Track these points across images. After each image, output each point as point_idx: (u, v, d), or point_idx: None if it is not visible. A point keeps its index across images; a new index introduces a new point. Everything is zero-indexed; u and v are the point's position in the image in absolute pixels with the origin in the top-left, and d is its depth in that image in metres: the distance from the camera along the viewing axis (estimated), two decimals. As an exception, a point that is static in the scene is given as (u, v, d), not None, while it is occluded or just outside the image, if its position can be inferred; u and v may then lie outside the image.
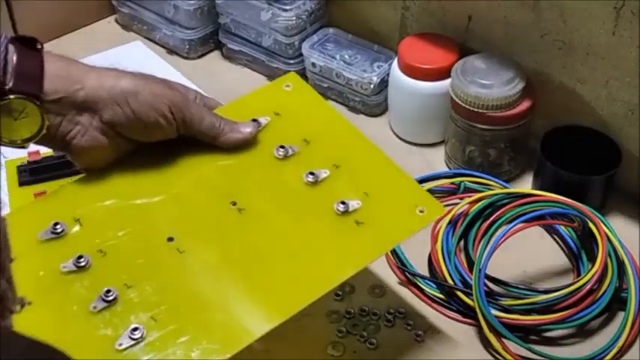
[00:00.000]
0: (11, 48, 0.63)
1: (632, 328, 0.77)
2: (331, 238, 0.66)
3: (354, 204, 0.68)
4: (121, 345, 0.59)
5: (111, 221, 0.67)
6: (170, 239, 0.65)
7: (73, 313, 0.61)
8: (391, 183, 0.71)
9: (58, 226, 0.65)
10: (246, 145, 0.72)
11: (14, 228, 0.53)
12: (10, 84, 0.62)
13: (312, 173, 0.69)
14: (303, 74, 1.08)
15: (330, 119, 0.76)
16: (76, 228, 0.66)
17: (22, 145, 0.65)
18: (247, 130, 0.72)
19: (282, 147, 0.71)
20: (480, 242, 0.83)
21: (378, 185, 0.70)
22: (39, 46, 0.65)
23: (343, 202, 0.68)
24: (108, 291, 0.61)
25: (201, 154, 0.71)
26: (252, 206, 0.68)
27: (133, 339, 0.59)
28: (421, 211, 0.68)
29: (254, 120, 0.73)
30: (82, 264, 0.63)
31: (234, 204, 0.68)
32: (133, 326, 0.59)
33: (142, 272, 0.63)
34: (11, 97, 0.62)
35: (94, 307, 0.61)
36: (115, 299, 0.61)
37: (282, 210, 0.68)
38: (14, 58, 0.63)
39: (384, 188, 0.70)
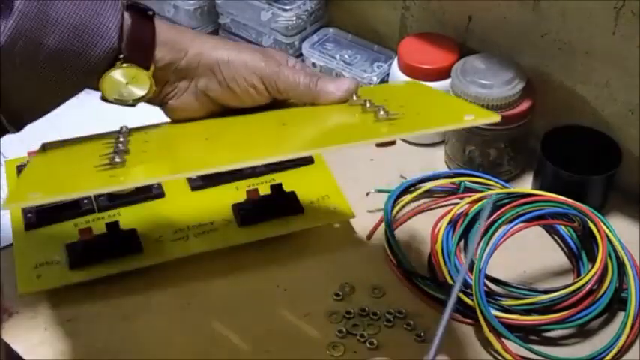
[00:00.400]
0: (126, 16, 0.67)
1: (632, 328, 0.77)
2: (361, 121, 0.67)
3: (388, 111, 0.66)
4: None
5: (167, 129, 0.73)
6: (207, 139, 0.69)
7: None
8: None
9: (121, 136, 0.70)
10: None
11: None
12: (126, 52, 0.67)
13: (369, 100, 0.68)
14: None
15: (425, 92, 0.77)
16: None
17: (132, 104, 0.70)
18: (344, 87, 0.72)
19: (362, 100, 0.70)
20: (480, 242, 0.83)
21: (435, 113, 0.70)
22: (151, 14, 0.69)
23: (384, 109, 0.65)
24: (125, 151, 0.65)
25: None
26: (297, 125, 0.70)
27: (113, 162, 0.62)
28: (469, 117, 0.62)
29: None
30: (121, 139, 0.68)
31: (285, 124, 0.70)
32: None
33: (165, 141, 0.69)
34: (124, 65, 0.67)
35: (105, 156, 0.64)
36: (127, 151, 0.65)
37: (318, 122, 0.70)
38: (129, 26, 0.67)
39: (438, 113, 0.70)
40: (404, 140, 1.01)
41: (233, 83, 0.71)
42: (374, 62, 1.04)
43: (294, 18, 1.05)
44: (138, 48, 0.67)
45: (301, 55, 1.06)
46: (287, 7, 1.05)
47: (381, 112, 0.64)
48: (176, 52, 0.70)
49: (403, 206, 0.91)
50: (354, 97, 0.71)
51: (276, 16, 1.05)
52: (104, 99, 0.70)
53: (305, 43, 1.06)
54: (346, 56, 1.05)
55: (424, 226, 0.87)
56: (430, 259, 0.84)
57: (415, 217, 0.90)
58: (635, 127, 0.88)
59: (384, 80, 1.01)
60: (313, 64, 1.05)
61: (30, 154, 0.91)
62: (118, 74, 0.67)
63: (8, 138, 0.67)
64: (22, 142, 0.79)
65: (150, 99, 0.71)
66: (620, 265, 0.80)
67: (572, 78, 0.91)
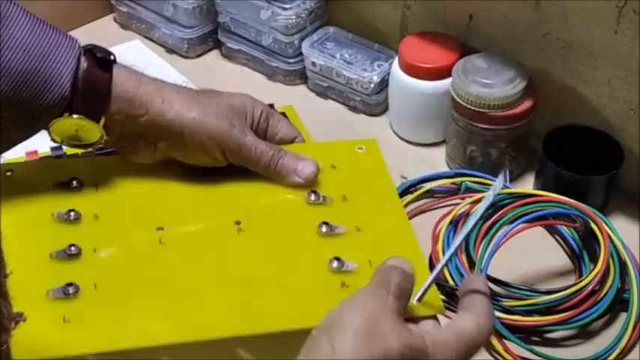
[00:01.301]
0: (82, 61, 0.64)
1: (634, 329, 0.76)
2: (311, 286, 0.63)
3: (350, 266, 0.63)
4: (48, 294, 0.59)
5: (120, 194, 0.68)
6: (160, 228, 0.65)
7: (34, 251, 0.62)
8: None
9: (74, 182, 0.67)
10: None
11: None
12: (77, 102, 0.63)
13: (326, 223, 0.66)
14: (302, 73, 1.08)
15: (380, 188, 0.71)
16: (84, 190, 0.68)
17: (79, 149, 0.67)
18: (305, 174, 0.69)
19: (315, 192, 0.68)
20: (481, 243, 0.82)
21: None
22: (111, 60, 0.66)
23: (338, 259, 0.63)
24: (72, 245, 0.62)
25: (236, 178, 0.70)
26: (252, 232, 0.66)
27: (65, 294, 0.59)
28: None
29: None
30: (73, 217, 0.65)
31: (238, 223, 0.66)
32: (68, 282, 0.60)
33: (116, 243, 0.64)
34: (74, 116, 0.63)
35: (54, 255, 0.62)
36: (76, 255, 0.62)
37: (277, 244, 0.66)
38: (83, 74, 0.63)
39: None
40: (404, 140, 1.00)
41: (194, 153, 0.67)
42: (374, 61, 1.03)
43: (294, 17, 1.04)
44: (90, 98, 0.64)
45: (301, 54, 1.05)
46: (287, 6, 1.04)
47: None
48: (135, 108, 0.65)
49: (403, 206, 0.90)
50: (313, 196, 0.68)
51: (276, 15, 1.04)
52: (54, 141, 0.66)
53: (305, 42, 1.05)
54: (346, 55, 1.04)
55: (425, 226, 0.87)
56: (431, 260, 0.83)
57: (416, 217, 0.90)
58: (636, 126, 0.88)
59: (384, 79, 1.00)
60: (313, 64, 1.04)
61: (28, 154, 0.90)
62: (67, 122, 0.64)
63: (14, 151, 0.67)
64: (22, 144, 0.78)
65: (104, 145, 0.68)
66: (623, 266, 0.80)
67: (574, 77, 0.90)
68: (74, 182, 0.67)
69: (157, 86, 0.67)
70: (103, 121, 0.65)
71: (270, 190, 0.69)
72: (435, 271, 0.59)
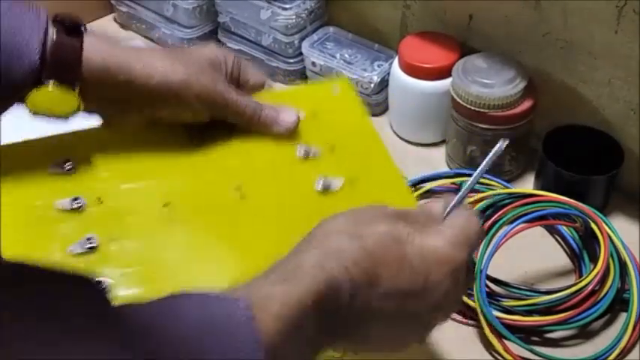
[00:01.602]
0: (51, 32, 0.63)
1: (634, 329, 0.76)
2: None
3: None
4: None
5: (118, 172, 0.68)
6: (166, 204, 0.66)
7: (50, 249, 0.62)
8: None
9: (68, 164, 0.67)
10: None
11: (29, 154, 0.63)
12: (48, 72, 0.63)
13: (322, 181, 0.68)
14: (302, 73, 1.08)
15: (362, 131, 0.74)
16: (83, 171, 0.68)
17: (63, 118, 0.66)
18: (289, 122, 0.71)
19: (304, 147, 0.70)
20: (481, 243, 0.82)
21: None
22: (82, 29, 0.65)
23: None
24: (89, 238, 0.62)
25: (226, 136, 0.71)
26: (254, 196, 0.68)
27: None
28: None
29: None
30: (77, 206, 0.65)
31: (239, 189, 0.68)
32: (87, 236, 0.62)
33: (128, 229, 0.64)
34: (49, 86, 0.63)
35: (71, 251, 0.62)
36: (94, 248, 0.62)
37: (279, 207, 0.67)
38: (53, 43, 0.63)
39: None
40: (404, 140, 1.00)
41: (179, 111, 0.68)
42: (374, 61, 1.03)
43: (294, 17, 1.04)
44: (62, 67, 0.63)
45: (301, 54, 1.05)
46: (287, 6, 1.04)
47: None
48: (111, 73, 0.65)
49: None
50: (302, 151, 0.70)
51: (276, 15, 1.04)
52: (32, 113, 0.66)
53: (305, 42, 1.05)
54: (346, 55, 1.04)
55: (425, 226, 0.87)
56: (431, 260, 0.83)
57: (416, 217, 0.90)
58: (636, 126, 0.88)
59: (384, 79, 1.00)
60: (313, 63, 1.04)
61: None
62: (42, 93, 0.64)
63: (6, 136, 0.66)
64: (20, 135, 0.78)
65: (88, 112, 0.68)
66: (623, 266, 0.80)
67: (574, 77, 0.90)
68: (68, 164, 0.68)
69: (133, 50, 0.67)
70: (78, 89, 0.64)
71: (261, 149, 0.71)
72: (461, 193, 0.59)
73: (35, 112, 0.65)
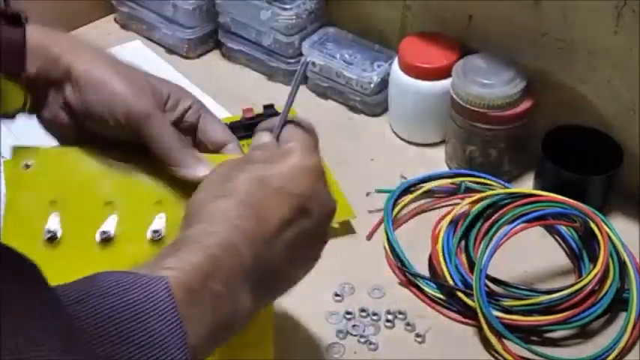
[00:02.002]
0: None
1: (633, 328, 0.76)
2: None
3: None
4: None
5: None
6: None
7: None
8: None
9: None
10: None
11: None
12: None
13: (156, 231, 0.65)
14: (302, 74, 1.07)
15: None
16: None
17: (9, 116, 0.64)
18: (201, 175, 0.65)
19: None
20: (480, 242, 0.82)
21: None
22: (23, 18, 0.63)
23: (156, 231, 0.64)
24: None
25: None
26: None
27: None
28: None
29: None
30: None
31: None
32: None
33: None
34: None
35: None
36: None
37: None
38: None
39: None
40: (404, 140, 1.01)
41: (96, 109, 0.63)
42: (374, 61, 1.03)
43: (294, 17, 1.04)
44: (6, 58, 0.62)
45: (301, 54, 1.05)
46: (287, 6, 1.04)
47: None
48: (49, 61, 0.63)
49: (403, 206, 0.90)
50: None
51: (276, 15, 1.04)
52: None
53: (305, 43, 1.05)
54: (346, 55, 1.04)
55: (424, 226, 0.87)
56: (430, 260, 0.83)
57: (415, 217, 0.90)
58: (636, 126, 0.88)
59: (384, 79, 1.00)
60: (313, 64, 1.04)
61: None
62: None
63: (7, 138, 0.66)
64: (20, 142, 0.78)
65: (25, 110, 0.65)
66: (622, 266, 0.80)
67: (573, 77, 0.91)
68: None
69: (73, 42, 0.65)
70: (24, 83, 0.63)
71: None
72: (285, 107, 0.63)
73: None
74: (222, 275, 0.51)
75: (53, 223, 0.62)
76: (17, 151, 0.65)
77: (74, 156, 0.66)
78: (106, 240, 0.63)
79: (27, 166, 0.65)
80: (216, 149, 0.69)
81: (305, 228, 0.57)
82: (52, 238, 0.62)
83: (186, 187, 0.65)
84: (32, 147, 0.65)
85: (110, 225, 0.63)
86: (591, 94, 0.90)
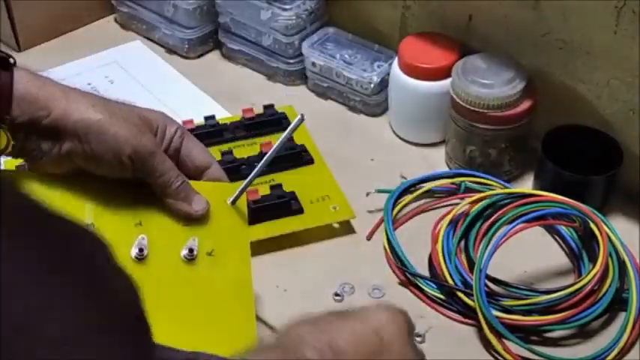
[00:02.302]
0: None
1: (633, 328, 0.76)
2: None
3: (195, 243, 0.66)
4: None
5: None
6: None
7: None
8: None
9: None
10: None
11: None
12: None
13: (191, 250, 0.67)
14: (302, 74, 1.08)
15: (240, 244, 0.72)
16: None
17: None
18: (197, 208, 0.68)
19: (191, 250, 0.68)
20: (480, 242, 0.82)
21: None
22: (11, 62, 0.63)
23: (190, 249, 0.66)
24: None
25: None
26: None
27: None
28: None
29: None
30: None
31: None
32: None
33: None
34: None
35: None
36: None
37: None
38: None
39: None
40: (404, 140, 1.01)
41: (101, 155, 0.64)
42: (374, 62, 1.03)
43: (294, 17, 1.04)
44: None
45: (301, 54, 1.06)
46: (287, 7, 1.04)
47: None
48: (37, 108, 0.63)
49: (403, 206, 0.91)
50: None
51: (276, 16, 1.04)
52: None
53: (305, 43, 1.05)
54: (346, 56, 1.04)
55: (424, 226, 0.87)
56: (430, 260, 0.83)
57: (415, 217, 0.90)
58: (636, 126, 0.88)
59: (384, 80, 1.00)
60: (313, 64, 1.04)
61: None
62: None
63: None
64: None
65: (10, 154, 0.65)
66: (622, 266, 0.80)
67: (573, 77, 0.91)
68: None
69: (61, 88, 0.65)
70: (6, 126, 0.62)
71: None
72: (252, 175, 0.66)
73: None
74: None
75: None
76: None
77: (48, 179, 0.66)
78: None
79: None
80: (200, 171, 0.71)
81: None
82: None
83: (165, 210, 0.67)
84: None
85: None
86: (591, 94, 0.90)
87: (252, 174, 0.71)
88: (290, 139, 0.95)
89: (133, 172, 0.65)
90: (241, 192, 0.70)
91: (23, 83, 0.63)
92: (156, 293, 0.64)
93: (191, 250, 0.66)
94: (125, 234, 0.65)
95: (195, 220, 0.68)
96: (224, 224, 0.70)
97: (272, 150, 0.72)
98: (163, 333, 0.52)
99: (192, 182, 0.69)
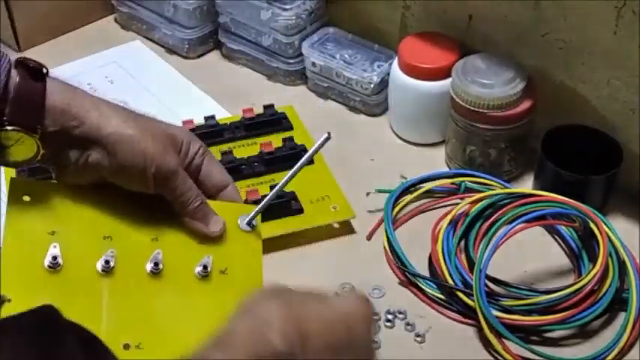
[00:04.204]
0: (14, 74, 0.62)
1: (633, 328, 0.76)
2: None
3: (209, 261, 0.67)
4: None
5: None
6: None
7: None
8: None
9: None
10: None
11: None
12: (10, 114, 0.61)
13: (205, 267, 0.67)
14: (302, 74, 1.08)
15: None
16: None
17: (15, 166, 0.65)
18: (214, 229, 0.68)
19: (205, 267, 0.67)
20: (480, 242, 0.82)
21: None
22: (44, 71, 0.63)
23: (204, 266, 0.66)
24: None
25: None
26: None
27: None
28: None
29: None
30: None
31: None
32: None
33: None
34: (8, 128, 0.61)
35: None
36: None
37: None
38: (15, 86, 0.61)
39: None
40: (404, 140, 1.01)
41: (125, 172, 0.65)
42: (374, 62, 1.03)
43: (294, 17, 1.04)
44: (24, 110, 0.61)
45: (301, 54, 1.06)
46: (287, 7, 1.04)
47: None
48: (69, 119, 0.63)
49: (403, 206, 0.91)
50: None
51: (276, 16, 1.04)
52: None
53: (305, 43, 1.05)
54: (346, 56, 1.04)
55: (424, 226, 0.87)
56: (430, 260, 0.84)
57: (415, 217, 0.90)
58: (636, 126, 0.88)
59: (384, 80, 1.00)
60: (313, 64, 1.05)
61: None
62: (1, 136, 0.61)
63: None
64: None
65: (37, 162, 0.65)
66: (621, 266, 0.80)
67: (573, 77, 0.91)
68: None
69: (93, 100, 0.65)
70: (38, 135, 0.62)
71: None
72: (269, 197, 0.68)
73: None
74: None
75: (53, 251, 0.63)
76: (15, 183, 0.66)
77: (70, 190, 0.67)
78: (107, 271, 0.64)
79: (25, 197, 0.65)
80: (217, 190, 0.72)
81: None
82: (54, 265, 0.62)
83: (180, 227, 0.68)
84: (29, 180, 0.67)
85: (110, 257, 0.64)
86: (591, 94, 0.90)
87: (269, 196, 0.71)
88: (290, 138, 0.95)
89: (154, 187, 0.66)
90: (256, 213, 0.70)
91: (56, 94, 0.63)
92: (169, 308, 0.65)
93: (205, 267, 0.66)
94: (142, 248, 0.66)
95: (211, 240, 0.69)
96: (238, 244, 0.70)
97: (293, 170, 0.72)
98: (174, 347, 0.53)
99: (209, 201, 0.70)
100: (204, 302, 0.66)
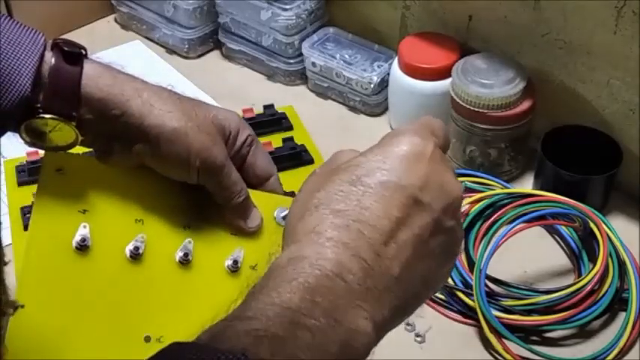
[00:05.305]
0: (48, 57, 0.59)
1: (633, 328, 0.76)
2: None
3: (240, 255, 0.65)
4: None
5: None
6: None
7: None
8: None
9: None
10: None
11: None
12: (43, 102, 0.58)
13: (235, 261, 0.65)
14: (302, 74, 1.08)
15: None
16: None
17: (57, 150, 0.62)
18: (251, 225, 0.66)
19: (235, 262, 0.65)
20: (480, 242, 0.82)
21: None
22: (82, 53, 0.60)
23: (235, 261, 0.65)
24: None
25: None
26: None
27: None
28: None
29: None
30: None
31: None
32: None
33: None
34: (44, 115, 0.59)
35: None
36: None
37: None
38: (49, 71, 0.58)
39: None
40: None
41: (170, 162, 0.62)
42: (374, 62, 1.03)
43: (294, 17, 1.04)
44: (58, 97, 0.58)
45: (301, 54, 1.06)
46: (287, 7, 1.04)
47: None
48: (108, 108, 0.60)
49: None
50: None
51: (276, 16, 1.04)
52: (28, 143, 0.61)
53: (305, 43, 1.05)
54: (346, 56, 1.04)
55: (424, 226, 0.87)
56: (430, 260, 0.83)
57: (415, 217, 0.90)
58: (635, 126, 0.88)
59: (384, 80, 1.00)
60: (313, 64, 1.05)
61: (28, 154, 0.91)
62: (38, 123, 0.59)
63: (7, 138, 0.66)
64: (22, 142, 0.78)
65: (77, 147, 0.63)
66: (621, 266, 0.80)
67: (573, 77, 0.91)
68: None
69: (135, 86, 0.62)
70: (74, 122, 0.60)
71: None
72: None
73: (31, 143, 0.61)
74: (319, 308, 0.43)
75: (83, 232, 0.61)
76: (49, 156, 0.63)
77: (105, 168, 0.64)
78: (135, 257, 0.62)
79: (59, 171, 0.63)
80: (260, 181, 0.69)
81: (424, 224, 0.46)
82: (82, 247, 0.61)
83: (214, 216, 0.66)
84: (64, 153, 0.63)
85: (140, 242, 0.62)
86: (591, 94, 0.90)
87: None
88: (290, 138, 0.95)
89: (198, 180, 0.64)
90: None
91: (94, 79, 0.60)
92: (195, 302, 0.63)
93: (235, 262, 0.64)
94: (173, 235, 0.64)
95: (245, 233, 0.67)
96: (272, 238, 0.67)
97: None
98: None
99: (248, 189, 0.67)
100: (231, 299, 0.65)
